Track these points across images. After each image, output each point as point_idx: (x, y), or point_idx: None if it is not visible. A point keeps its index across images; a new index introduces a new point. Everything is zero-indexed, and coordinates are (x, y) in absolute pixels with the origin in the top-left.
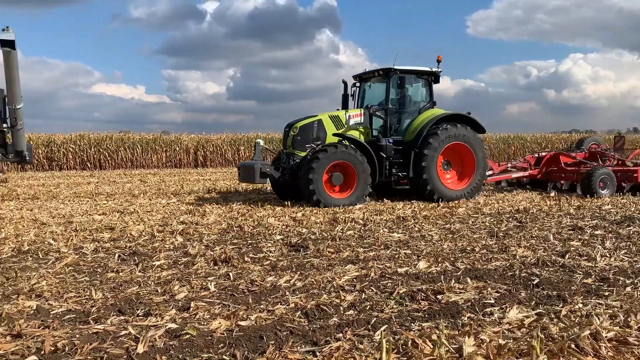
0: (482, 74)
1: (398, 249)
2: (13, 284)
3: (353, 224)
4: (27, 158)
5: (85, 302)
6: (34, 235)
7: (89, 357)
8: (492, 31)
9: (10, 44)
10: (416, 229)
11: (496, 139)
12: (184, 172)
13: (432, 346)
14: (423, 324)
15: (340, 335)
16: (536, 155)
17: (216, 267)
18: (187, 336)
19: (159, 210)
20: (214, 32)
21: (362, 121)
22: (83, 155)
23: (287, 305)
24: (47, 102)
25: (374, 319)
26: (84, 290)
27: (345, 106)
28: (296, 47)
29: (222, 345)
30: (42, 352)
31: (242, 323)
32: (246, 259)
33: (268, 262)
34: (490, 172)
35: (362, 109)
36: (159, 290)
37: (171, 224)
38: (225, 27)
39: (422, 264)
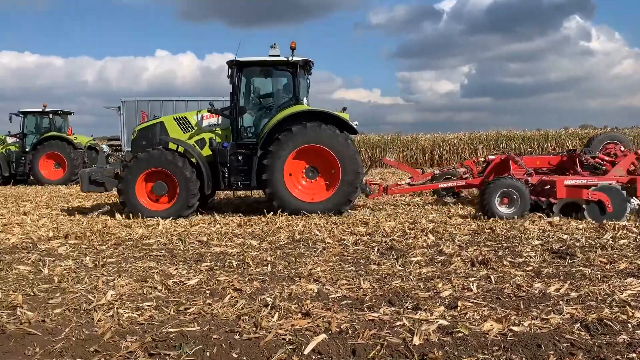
0: None
1: None
2: (294, 268)
3: (625, 232)
4: None
5: (357, 290)
6: (302, 226)
7: (370, 342)
8: None
9: None
10: None
11: None
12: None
13: None
14: None
15: (634, 355)
16: (482, 159)
17: (474, 269)
18: (460, 334)
19: (403, 207)
20: (450, 30)
21: (219, 122)
22: None
23: (562, 315)
24: None
25: None
26: (352, 279)
27: None
28: (539, 38)
29: (496, 348)
30: (330, 332)
31: (515, 328)
32: (505, 262)
33: (530, 267)
34: (409, 181)
35: None
36: (422, 286)
37: (420, 222)
38: (462, 24)
39: None
